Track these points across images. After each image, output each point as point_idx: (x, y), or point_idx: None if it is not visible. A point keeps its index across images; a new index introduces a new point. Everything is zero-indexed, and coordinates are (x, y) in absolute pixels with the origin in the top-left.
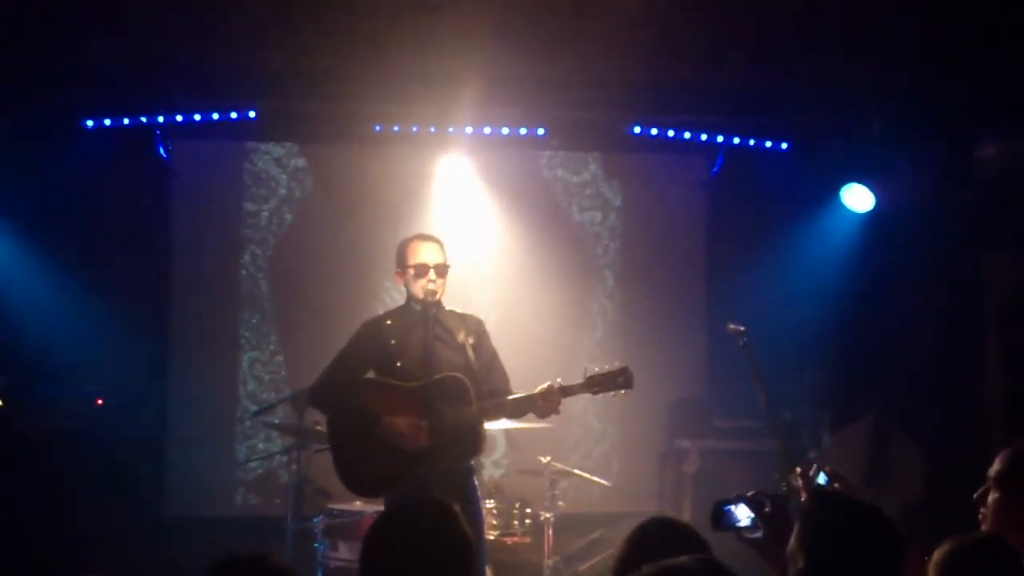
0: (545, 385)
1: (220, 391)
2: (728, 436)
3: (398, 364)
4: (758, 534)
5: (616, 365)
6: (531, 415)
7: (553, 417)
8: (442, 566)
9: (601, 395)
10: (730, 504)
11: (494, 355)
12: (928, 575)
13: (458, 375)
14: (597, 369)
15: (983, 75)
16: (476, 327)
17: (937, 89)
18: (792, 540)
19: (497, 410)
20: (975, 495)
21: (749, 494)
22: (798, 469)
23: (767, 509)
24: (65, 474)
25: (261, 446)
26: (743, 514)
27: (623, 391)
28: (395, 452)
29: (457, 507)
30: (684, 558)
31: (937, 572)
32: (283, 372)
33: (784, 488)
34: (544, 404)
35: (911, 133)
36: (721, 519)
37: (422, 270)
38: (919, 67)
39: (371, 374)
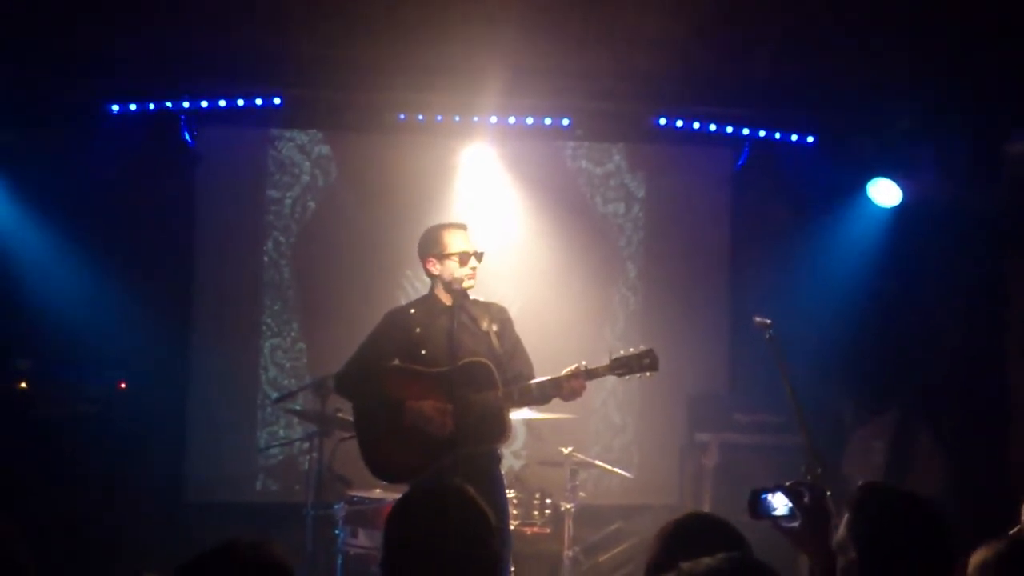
0: (571, 367)
1: (241, 377)
2: (749, 430)
3: (423, 352)
4: (795, 523)
5: (641, 347)
6: (555, 402)
7: (575, 408)
8: (463, 547)
9: (627, 377)
10: (768, 492)
11: (517, 342)
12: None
13: (483, 360)
14: (622, 352)
15: (1014, 70)
16: (500, 315)
17: (967, 84)
18: (842, 530)
19: (522, 394)
20: None
21: (788, 484)
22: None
23: (805, 499)
24: (87, 458)
25: (282, 433)
26: (780, 503)
27: (648, 373)
28: (421, 438)
29: (483, 493)
30: (723, 556)
31: (985, 573)
32: (304, 360)
33: (810, 481)
34: (569, 387)
35: (940, 128)
36: (759, 507)
37: (465, 258)
38: (949, 61)
39: (396, 362)
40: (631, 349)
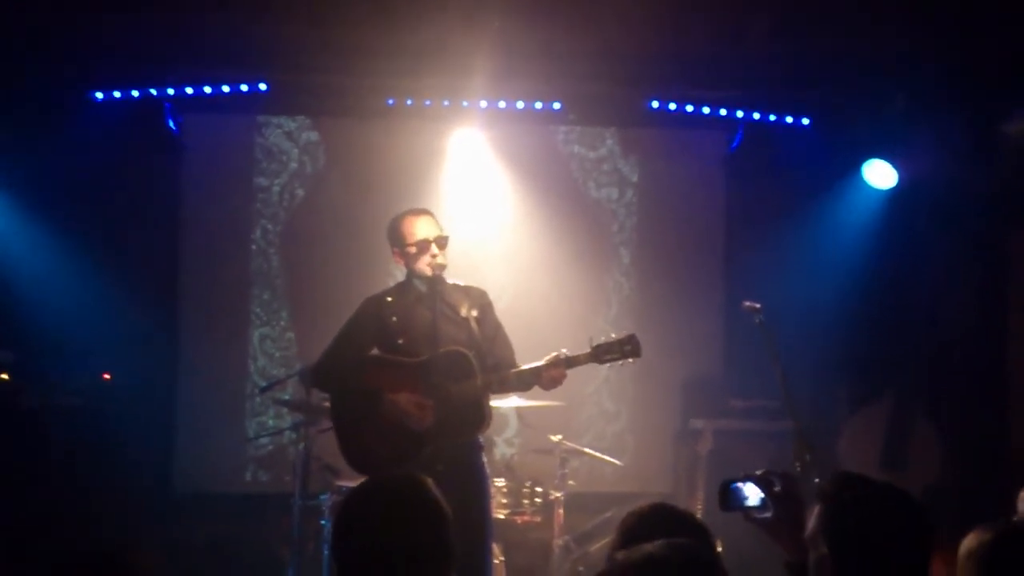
0: (551, 356)
1: (230, 367)
2: (744, 416)
3: (400, 341)
4: (767, 514)
5: (623, 333)
6: (541, 390)
7: (566, 396)
8: (411, 539)
9: (609, 364)
10: (738, 483)
11: (498, 327)
12: (960, 562)
13: (461, 349)
14: (604, 338)
15: (1012, 49)
16: (480, 299)
17: (965, 63)
18: (813, 523)
19: (502, 383)
20: None
21: (758, 473)
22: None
23: (777, 488)
24: (73, 451)
25: (271, 422)
26: (752, 493)
27: (631, 359)
28: (399, 430)
29: (464, 483)
30: (662, 543)
31: (974, 561)
32: (294, 349)
33: (799, 468)
34: (549, 375)
35: (936, 108)
36: (729, 498)
37: (424, 246)
38: (946, 40)
39: (374, 352)
40: (613, 335)
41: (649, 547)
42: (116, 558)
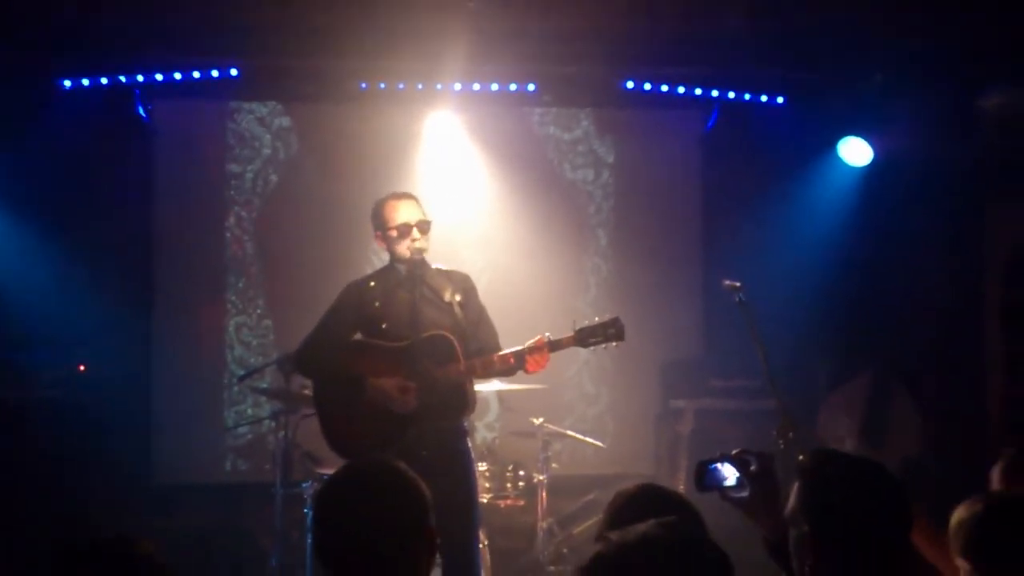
0: (535, 339)
1: (207, 356)
2: (725, 395)
3: (383, 326)
4: (744, 493)
5: (607, 316)
6: (524, 374)
7: (547, 379)
8: (390, 525)
9: (592, 347)
10: (715, 463)
11: (482, 311)
12: (951, 533)
13: (444, 333)
14: (587, 322)
15: (986, 23)
16: (463, 283)
17: (939, 38)
18: (792, 501)
19: (485, 367)
20: None
21: (734, 452)
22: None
23: (753, 468)
24: (49, 444)
25: (250, 411)
26: (729, 473)
27: (615, 343)
28: (383, 415)
29: (449, 468)
30: (655, 522)
31: (965, 531)
32: (271, 336)
33: (782, 445)
34: (533, 359)
35: (912, 84)
36: (705, 478)
37: (405, 230)
38: (921, 15)
39: (357, 337)
40: (596, 319)
41: (642, 527)
42: (119, 546)
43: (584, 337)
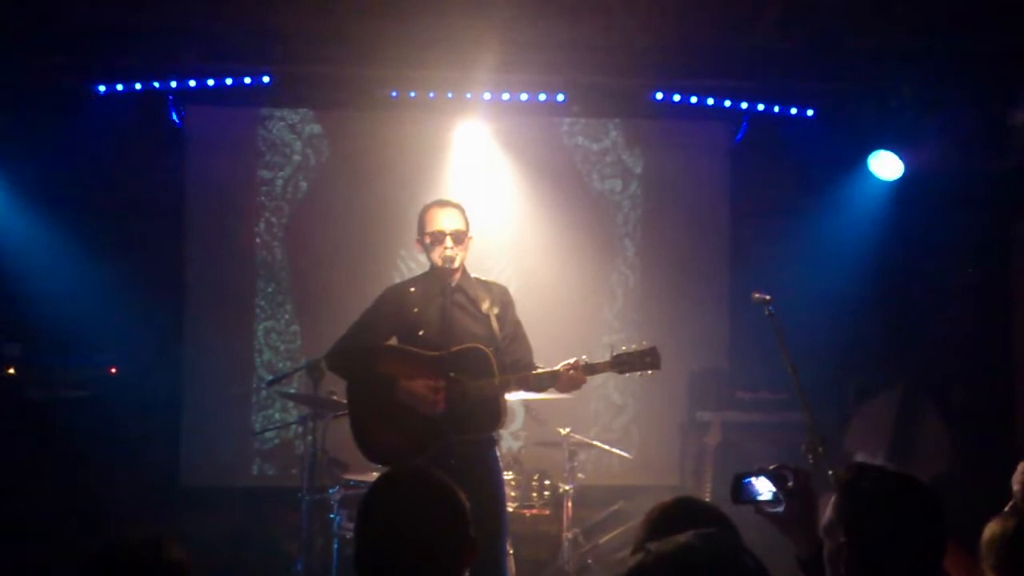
0: (571, 360)
1: (236, 361)
2: (751, 408)
3: (420, 333)
4: (779, 508)
5: (644, 344)
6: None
7: None
8: (427, 535)
9: (627, 375)
10: (751, 477)
11: (518, 325)
12: (983, 549)
13: (480, 347)
14: (624, 348)
15: (1017, 37)
16: (501, 296)
17: (970, 52)
18: (829, 513)
19: (520, 383)
20: None
21: (771, 467)
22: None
23: (790, 483)
24: (79, 444)
25: (277, 416)
26: (764, 487)
27: (650, 371)
28: (413, 420)
29: (478, 479)
30: (693, 533)
31: (997, 547)
32: (299, 342)
33: (811, 460)
34: (569, 379)
35: (942, 98)
36: (741, 492)
37: (438, 237)
38: (952, 29)
39: (393, 342)
40: (633, 346)
41: (682, 538)
42: (149, 549)
43: (620, 363)
